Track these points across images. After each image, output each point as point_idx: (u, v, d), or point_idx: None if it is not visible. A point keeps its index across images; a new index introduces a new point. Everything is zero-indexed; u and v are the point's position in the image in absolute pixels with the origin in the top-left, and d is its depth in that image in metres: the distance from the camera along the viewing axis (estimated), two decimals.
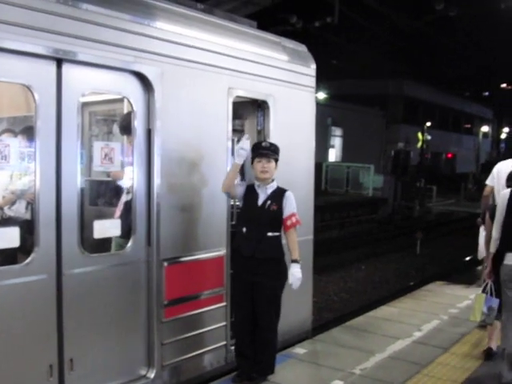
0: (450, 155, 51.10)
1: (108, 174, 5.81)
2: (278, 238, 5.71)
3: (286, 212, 5.65)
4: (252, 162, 5.81)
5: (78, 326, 4.79)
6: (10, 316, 4.36)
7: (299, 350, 6.73)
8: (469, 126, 57.17)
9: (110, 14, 4.97)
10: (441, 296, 9.60)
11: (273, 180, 5.81)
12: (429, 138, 38.27)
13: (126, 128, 5.59)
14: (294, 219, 5.65)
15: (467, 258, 17.67)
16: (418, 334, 7.45)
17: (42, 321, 4.56)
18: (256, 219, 5.64)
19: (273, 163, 5.72)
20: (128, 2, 5.26)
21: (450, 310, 8.62)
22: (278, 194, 5.72)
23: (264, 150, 5.71)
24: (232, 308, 6.10)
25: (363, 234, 22.92)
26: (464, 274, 14.26)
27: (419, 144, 37.31)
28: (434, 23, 25.92)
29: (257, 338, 5.75)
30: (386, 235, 22.74)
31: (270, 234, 5.62)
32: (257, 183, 5.78)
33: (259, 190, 5.75)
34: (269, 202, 5.67)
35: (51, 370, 4.60)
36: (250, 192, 5.78)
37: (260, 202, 5.69)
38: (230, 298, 6.14)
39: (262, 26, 7.30)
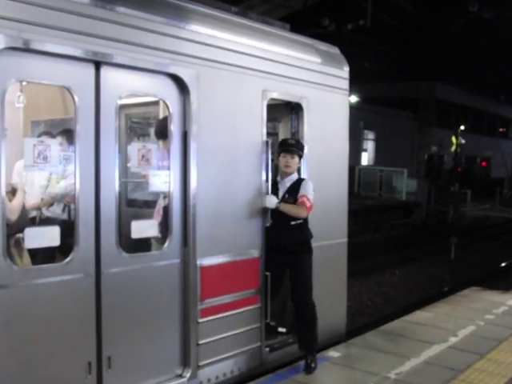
0: (484, 163, 50.37)
1: (143, 176, 5.88)
2: (302, 225, 6.25)
3: (299, 194, 6.16)
4: (278, 156, 6.31)
5: (116, 324, 4.86)
6: (52, 313, 4.45)
7: (333, 353, 6.71)
8: (504, 129, 56.29)
9: (147, 18, 5.03)
10: (477, 301, 9.45)
11: (294, 173, 6.36)
12: (463, 141, 37.80)
13: (162, 131, 5.66)
14: (304, 198, 6.12)
15: (503, 264, 17.39)
16: (453, 340, 7.36)
17: (81, 319, 4.64)
18: (278, 212, 6.11)
19: (296, 159, 6.26)
20: (164, 5, 5.33)
21: (487, 316, 8.48)
22: (296, 186, 6.24)
23: (289, 147, 6.23)
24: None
25: (397, 239, 22.69)
26: (500, 280, 14.03)
27: (453, 148, 36.86)
28: (468, 25, 25.61)
29: (299, 317, 6.38)
30: (420, 240, 22.48)
31: (293, 222, 6.16)
32: (279, 178, 6.35)
33: (280, 185, 6.30)
34: (286, 195, 6.21)
35: (90, 367, 4.68)
36: (274, 187, 6.28)
37: (280, 195, 6.22)
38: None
39: (294, 29, 7.30)
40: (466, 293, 10.23)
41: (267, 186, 6.15)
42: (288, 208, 6.16)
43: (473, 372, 6.28)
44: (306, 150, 6.62)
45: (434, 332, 7.67)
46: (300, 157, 6.30)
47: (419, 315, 8.57)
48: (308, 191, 6.16)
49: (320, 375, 6.08)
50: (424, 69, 37.67)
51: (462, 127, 39.30)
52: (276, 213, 6.12)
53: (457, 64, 39.39)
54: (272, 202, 6.08)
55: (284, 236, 6.17)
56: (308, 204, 6.11)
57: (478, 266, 17.33)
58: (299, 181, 6.30)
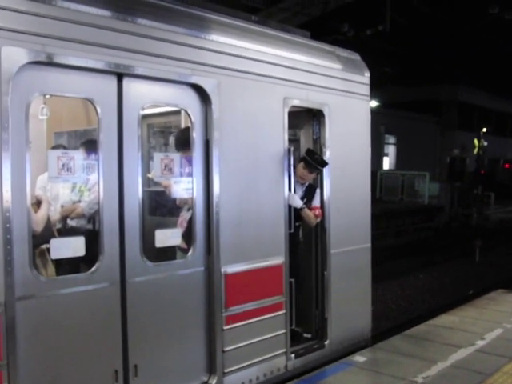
0: (507, 165, 49.71)
1: (166, 185, 5.92)
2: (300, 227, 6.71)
3: (313, 204, 6.58)
4: (299, 161, 6.54)
5: (142, 332, 4.89)
6: (78, 323, 4.50)
7: (359, 357, 6.67)
8: None
9: (168, 29, 5.08)
10: (503, 304, 9.35)
11: None
12: (485, 144, 37.39)
13: (183, 142, 5.70)
14: (317, 211, 6.58)
15: None
16: (480, 343, 7.28)
17: (107, 327, 4.69)
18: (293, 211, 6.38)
19: (313, 175, 6.58)
20: (184, 16, 5.38)
21: None
22: (310, 191, 6.63)
23: (313, 162, 6.42)
24: None
25: (420, 242, 22.55)
26: None
27: (475, 150, 36.48)
28: (489, 27, 25.41)
29: None
30: (444, 243, 22.30)
31: (297, 223, 6.49)
32: (295, 179, 6.45)
33: (296, 186, 6.50)
34: (305, 200, 6.51)
35: (116, 375, 4.71)
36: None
37: (297, 197, 6.45)
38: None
39: (314, 36, 7.31)
40: (492, 295, 10.13)
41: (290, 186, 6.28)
42: (309, 215, 6.53)
43: (501, 375, 6.21)
44: (327, 156, 6.65)
45: (461, 335, 7.60)
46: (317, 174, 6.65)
47: (445, 319, 8.50)
48: (319, 201, 6.65)
49: (346, 380, 6.06)
50: (445, 72, 37.38)
51: (485, 129, 38.90)
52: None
53: (478, 66, 39.04)
54: (298, 202, 6.39)
55: (293, 236, 6.43)
56: (320, 216, 6.61)
57: (503, 269, 17.13)
58: (311, 187, 6.67)
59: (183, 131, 5.86)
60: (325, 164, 6.53)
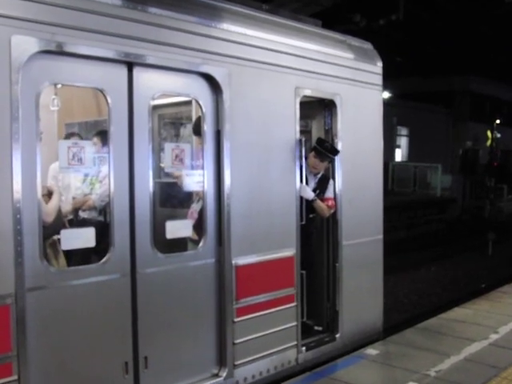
0: None
1: (177, 176, 5.88)
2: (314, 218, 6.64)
3: (326, 195, 6.53)
4: (310, 151, 6.49)
5: (152, 324, 4.87)
6: (88, 314, 4.48)
7: (371, 350, 6.63)
8: None
9: (178, 17, 5.03)
10: None
11: None
12: (498, 135, 37.10)
13: (199, 129, 5.66)
14: (330, 203, 6.52)
15: None
16: (494, 337, 7.21)
17: (117, 319, 4.66)
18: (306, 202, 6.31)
19: (325, 163, 6.53)
20: (195, 5, 5.32)
21: None
22: (323, 182, 6.58)
23: (323, 150, 6.38)
24: None
25: (432, 235, 22.45)
26: None
27: (488, 142, 36.20)
28: (504, 16, 25.14)
29: None
30: (456, 235, 22.20)
31: (311, 215, 6.45)
32: (308, 171, 6.46)
33: (309, 178, 6.47)
34: (318, 191, 6.46)
35: (127, 367, 4.69)
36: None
37: (310, 188, 6.39)
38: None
39: (326, 26, 7.24)
40: (506, 289, 10.04)
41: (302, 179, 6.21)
42: (322, 206, 6.48)
43: None
44: (339, 147, 6.59)
45: (474, 329, 7.54)
46: (329, 162, 6.57)
47: (458, 312, 8.44)
48: (332, 192, 6.59)
49: (359, 373, 6.02)
50: (457, 62, 37.07)
51: (498, 121, 38.58)
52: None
53: (491, 56, 38.70)
54: (310, 194, 6.33)
55: (307, 227, 6.36)
56: (333, 207, 6.55)
57: None
58: (325, 178, 6.62)
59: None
60: (335, 151, 6.48)
